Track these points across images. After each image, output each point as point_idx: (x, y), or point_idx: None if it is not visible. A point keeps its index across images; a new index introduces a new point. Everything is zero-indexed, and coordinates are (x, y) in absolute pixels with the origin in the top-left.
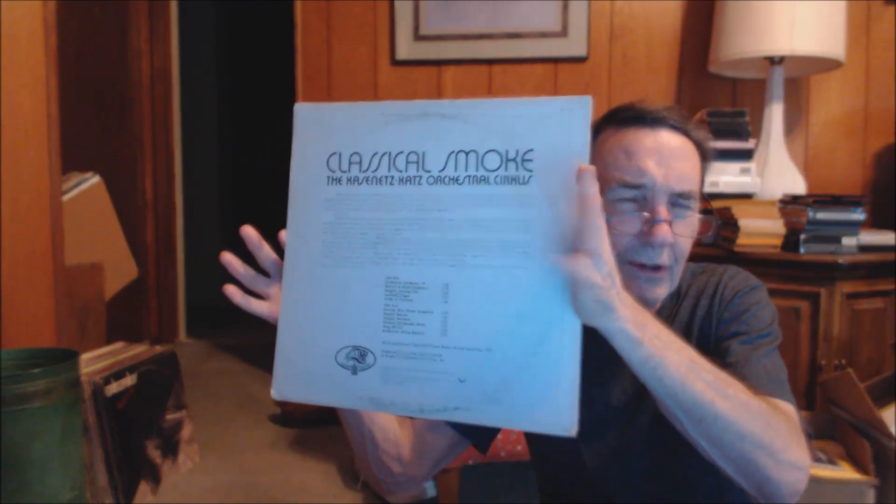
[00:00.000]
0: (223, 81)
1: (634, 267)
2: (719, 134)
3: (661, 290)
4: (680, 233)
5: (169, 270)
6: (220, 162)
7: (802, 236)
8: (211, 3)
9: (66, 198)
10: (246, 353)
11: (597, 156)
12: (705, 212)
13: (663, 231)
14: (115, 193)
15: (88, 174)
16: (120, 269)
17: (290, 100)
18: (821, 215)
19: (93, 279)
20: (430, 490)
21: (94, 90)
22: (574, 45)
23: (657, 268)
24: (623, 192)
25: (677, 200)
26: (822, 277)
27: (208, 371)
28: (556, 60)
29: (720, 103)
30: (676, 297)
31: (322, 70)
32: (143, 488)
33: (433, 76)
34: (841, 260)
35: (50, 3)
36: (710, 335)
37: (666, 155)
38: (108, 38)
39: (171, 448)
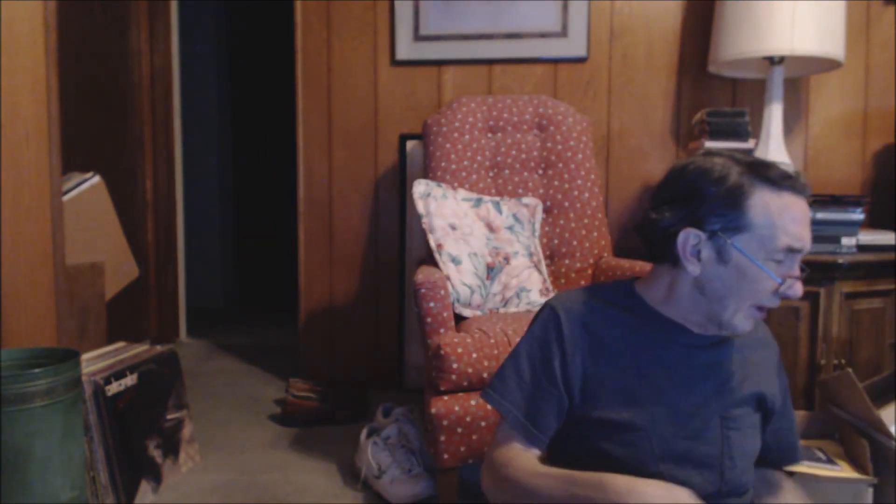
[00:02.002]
0: (223, 81)
1: (755, 308)
2: (719, 134)
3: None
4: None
5: (169, 270)
6: (220, 162)
7: None
8: (211, 3)
9: (66, 198)
10: (246, 353)
11: (759, 214)
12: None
13: (799, 288)
14: (116, 193)
15: (88, 174)
16: (120, 269)
17: (291, 100)
18: (820, 215)
19: (93, 279)
20: (430, 490)
21: (94, 90)
22: (574, 45)
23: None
24: (782, 255)
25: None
26: (821, 277)
27: (208, 371)
28: (556, 60)
29: (720, 103)
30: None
31: (322, 70)
32: (144, 488)
33: (433, 76)
34: (840, 260)
35: (50, 3)
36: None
37: (807, 224)
38: (108, 38)
39: (171, 448)
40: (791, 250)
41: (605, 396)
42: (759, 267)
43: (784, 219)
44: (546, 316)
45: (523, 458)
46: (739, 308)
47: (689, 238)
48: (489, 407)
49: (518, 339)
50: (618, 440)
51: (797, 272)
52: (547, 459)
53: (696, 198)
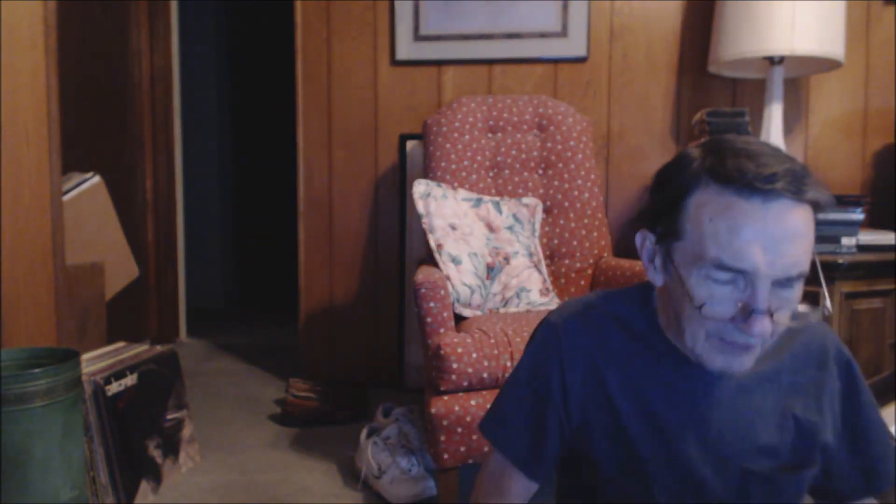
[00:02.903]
0: (223, 81)
1: (723, 342)
2: (719, 134)
3: (749, 362)
4: (780, 321)
5: (169, 270)
6: (219, 162)
7: None
8: (211, 3)
9: (66, 198)
10: (246, 353)
11: (691, 220)
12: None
13: (762, 326)
14: (116, 193)
15: (88, 174)
16: (120, 269)
17: (291, 100)
18: (820, 215)
19: (93, 279)
20: (430, 490)
21: (94, 90)
22: (574, 45)
23: (748, 346)
24: (719, 274)
25: (783, 284)
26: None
27: (208, 371)
28: (556, 60)
29: (720, 103)
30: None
31: (322, 70)
32: (144, 487)
33: (433, 76)
34: (840, 260)
35: (50, 3)
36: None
37: (776, 238)
38: (108, 38)
39: (171, 447)
40: (727, 269)
41: (601, 437)
42: (683, 284)
43: (717, 226)
44: (546, 337)
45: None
46: (697, 335)
47: (644, 240)
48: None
49: (518, 340)
50: (613, 488)
51: (758, 301)
52: (560, 482)
53: (654, 193)
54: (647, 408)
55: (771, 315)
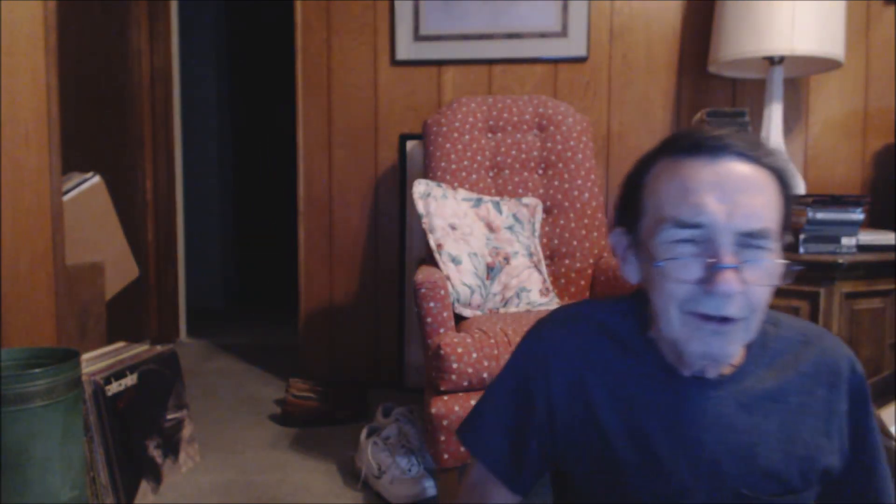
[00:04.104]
0: (223, 81)
1: (697, 318)
2: None
3: (733, 346)
4: (752, 279)
5: (169, 270)
6: (220, 162)
7: (802, 236)
8: (211, 3)
9: (66, 198)
10: (246, 353)
11: (649, 192)
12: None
13: (728, 279)
14: (116, 193)
15: (88, 174)
16: (120, 269)
17: (291, 100)
18: (820, 215)
19: (93, 279)
20: (430, 490)
21: (94, 90)
22: (574, 45)
23: (725, 319)
24: (679, 233)
25: (747, 241)
26: (821, 277)
27: (208, 371)
28: (556, 60)
29: (720, 103)
30: (763, 357)
31: (322, 70)
32: (144, 487)
33: (433, 76)
34: (840, 260)
35: (50, 3)
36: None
37: (730, 188)
38: (108, 38)
39: (171, 447)
40: (685, 225)
41: (586, 457)
42: (650, 252)
43: (670, 188)
44: (530, 347)
45: None
46: (671, 316)
47: (617, 239)
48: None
49: (518, 340)
50: None
51: (720, 255)
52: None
53: (619, 195)
54: (637, 429)
55: (738, 274)
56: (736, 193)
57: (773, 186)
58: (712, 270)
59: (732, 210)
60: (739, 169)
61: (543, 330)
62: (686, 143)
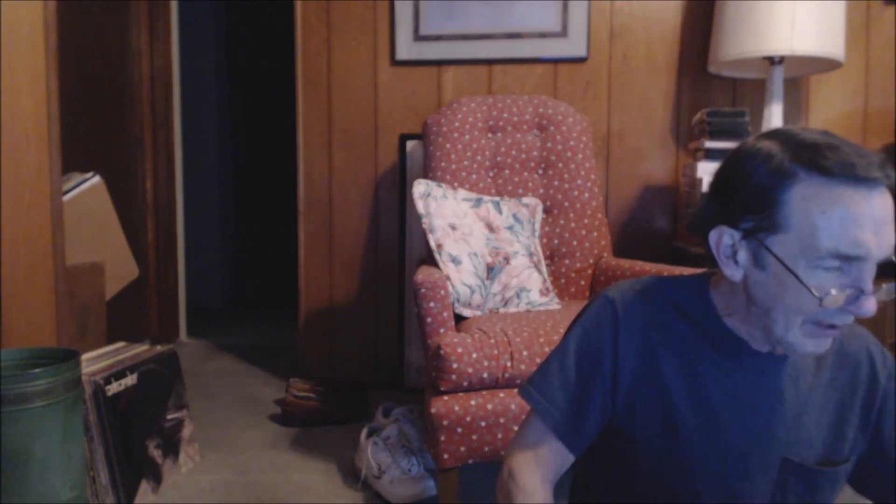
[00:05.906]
0: (223, 81)
1: (822, 327)
2: (719, 134)
3: (830, 343)
4: (883, 300)
5: (169, 270)
6: (220, 162)
7: None
8: (211, 3)
9: (66, 198)
10: (246, 353)
11: (796, 211)
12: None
13: (870, 305)
14: (116, 193)
15: (88, 174)
16: (120, 269)
17: (291, 100)
18: None
19: (93, 279)
20: (430, 490)
21: (94, 90)
22: (574, 45)
23: (837, 327)
24: (833, 262)
25: (880, 265)
26: None
27: (208, 371)
28: (556, 60)
29: (720, 103)
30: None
31: (322, 70)
32: (144, 487)
33: (433, 76)
34: None
35: (50, 3)
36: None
37: (880, 220)
38: (108, 38)
39: (171, 447)
40: (843, 258)
41: (647, 418)
42: (795, 276)
43: (830, 217)
44: (602, 310)
45: (533, 486)
46: (791, 323)
47: (721, 237)
48: (522, 402)
49: (518, 340)
50: (650, 473)
51: (866, 283)
52: (578, 470)
53: (730, 189)
54: (700, 392)
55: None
56: (884, 226)
57: None
58: (856, 295)
59: (881, 243)
60: (886, 202)
61: (614, 295)
62: (837, 166)
